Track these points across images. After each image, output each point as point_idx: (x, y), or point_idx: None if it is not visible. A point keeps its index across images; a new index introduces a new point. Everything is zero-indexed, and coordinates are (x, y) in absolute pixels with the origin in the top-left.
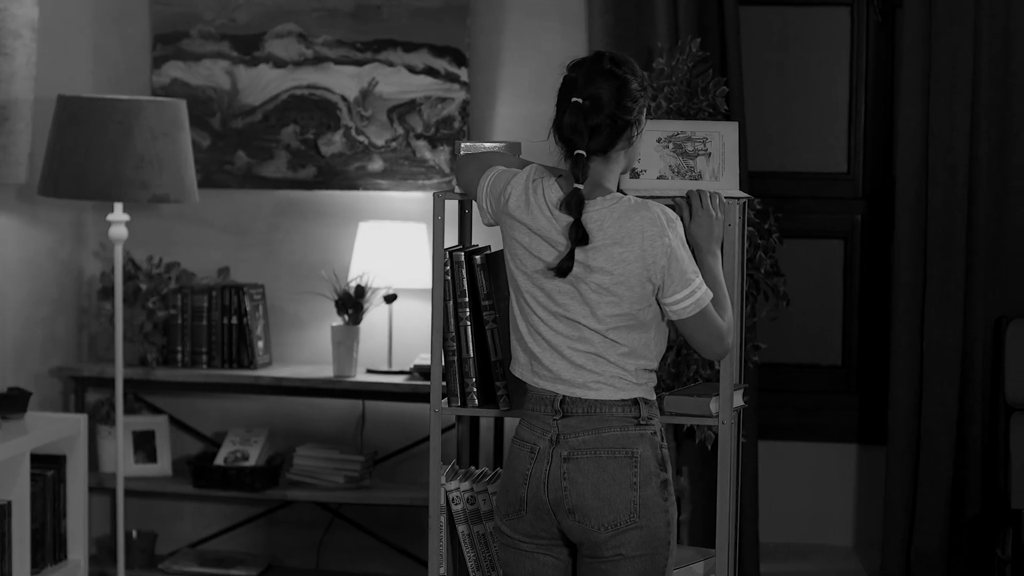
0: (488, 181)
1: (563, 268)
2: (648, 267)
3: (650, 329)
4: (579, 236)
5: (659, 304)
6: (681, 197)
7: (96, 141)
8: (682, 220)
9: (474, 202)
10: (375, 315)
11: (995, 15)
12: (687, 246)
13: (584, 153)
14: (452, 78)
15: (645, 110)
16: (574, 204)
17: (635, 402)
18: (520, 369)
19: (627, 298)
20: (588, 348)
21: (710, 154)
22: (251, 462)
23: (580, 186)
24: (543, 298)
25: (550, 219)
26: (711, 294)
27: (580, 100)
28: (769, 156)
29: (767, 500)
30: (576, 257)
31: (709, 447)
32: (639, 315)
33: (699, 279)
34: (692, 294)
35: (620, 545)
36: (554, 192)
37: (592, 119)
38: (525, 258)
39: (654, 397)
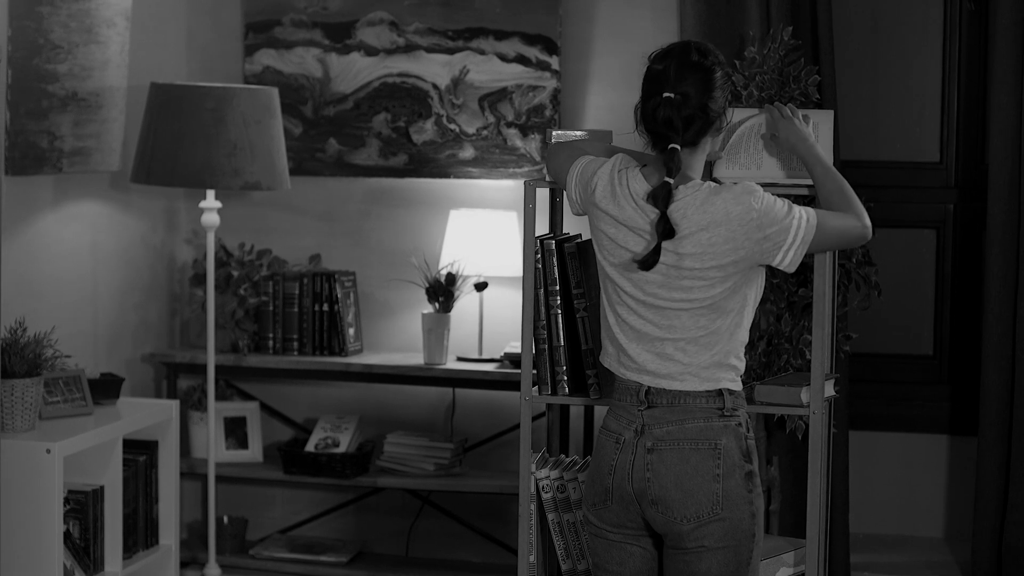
0: (577, 171)
1: (649, 262)
2: (751, 250)
3: (737, 318)
4: (666, 230)
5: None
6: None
7: (188, 128)
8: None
9: (564, 191)
10: (465, 303)
11: None
12: (769, 195)
13: (678, 147)
14: (543, 66)
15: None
16: (662, 198)
17: (719, 393)
18: (608, 360)
19: (715, 285)
20: (674, 337)
21: None
22: (341, 449)
23: (671, 180)
24: (631, 288)
25: (636, 209)
26: (808, 213)
27: (672, 95)
28: (861, 145)
29: (857, 491)
30: (665, 247)
31: (800, 437)
32: (725, 304)
33: (791, 212)
34: (797, 231)
35: (703, 537)
36: (638, 183)
37: (685, 111)
38: (612, 249)
39: (740, 387)
